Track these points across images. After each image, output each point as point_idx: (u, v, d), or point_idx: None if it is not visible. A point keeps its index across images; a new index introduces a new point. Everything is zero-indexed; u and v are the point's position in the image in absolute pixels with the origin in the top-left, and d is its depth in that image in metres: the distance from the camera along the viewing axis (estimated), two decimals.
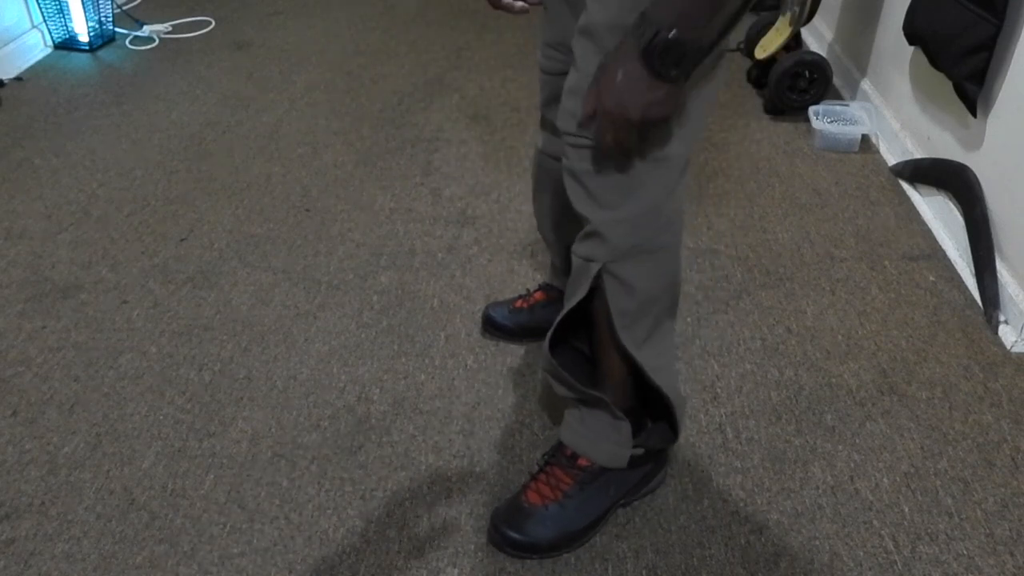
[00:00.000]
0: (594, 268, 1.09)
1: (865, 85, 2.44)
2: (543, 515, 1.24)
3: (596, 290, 1.12)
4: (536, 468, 1.33)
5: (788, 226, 1.98)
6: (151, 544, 1.26)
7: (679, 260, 1.14)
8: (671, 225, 1.09)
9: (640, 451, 1.26)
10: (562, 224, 1.47)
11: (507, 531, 1.24)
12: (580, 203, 1.07)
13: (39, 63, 2.85)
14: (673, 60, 0.89)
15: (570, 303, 1.14)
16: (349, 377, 1.56)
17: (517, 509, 1.25)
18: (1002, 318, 1.67)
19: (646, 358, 1.16)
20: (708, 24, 0.89)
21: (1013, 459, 1.39)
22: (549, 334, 1.19)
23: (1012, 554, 1.24)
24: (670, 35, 0.87)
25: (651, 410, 1.31)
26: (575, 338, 1.30)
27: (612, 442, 1.24)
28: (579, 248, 1.11)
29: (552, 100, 1.33)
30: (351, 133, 2.40)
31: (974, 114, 1.80)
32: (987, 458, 1.39)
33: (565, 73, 1.28)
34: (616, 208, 1.05)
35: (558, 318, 1.18)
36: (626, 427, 1.23)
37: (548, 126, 1.37)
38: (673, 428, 1.26)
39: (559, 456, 1.28)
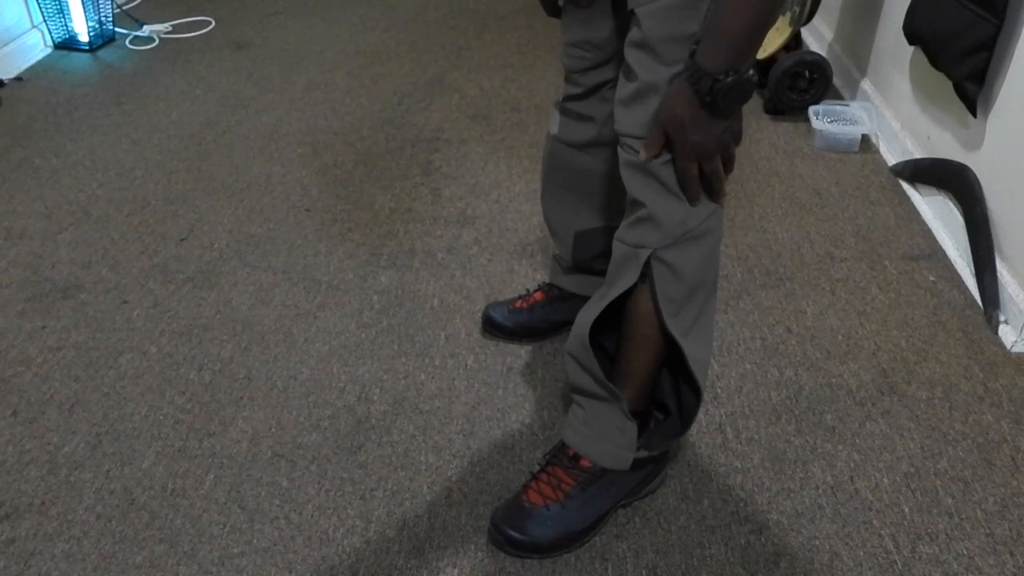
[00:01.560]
0: (644, 255, 1.10)
1: (865, 85, 2.44)
2: (544, 515, 1.24)
3: (640, 279, 1.12)
4: (537, 468, 1.33)
5: (788, 226, 1.98)
6: (151, 544, 1.26)
7: (720, 246, 1.15)
8: (717, 210, 1.11)
9: (644, 454, 1.26)
10: (572, 212, 1.47)
11: (508, 531, 1.24)
12: (638, 189, 1.08)
13: (39, 63, 2.85)
14: (736, 99, 0.96)
15: (615, 290, 1.14)
16: (349, 377, 1.56)
17: (518, 509, 1.25)
18: (1002, 318, 1.67)
19: (690, 347, 1.16)
20: (753, 57, 0.95)
21: (1013, 459, 1.39)
22: (591, 318, 1.18)
23: (1012, 554, 1.24)
24: (728, 79, 0.93)
25: (660, 406, 1.31)
26: (600, 334, 1.29)
27: (615, 444, 1.24)
28: (628, 235, 1.12)
29: (584, 96, 1.34)
30: (351, 133, 2.40)
31: (974, 114, 1.80)
32: (987, 458, 1.39)
33: (590, 69, 1.28)
34: (680, 194, 1.07)
35: (601, 303, 1.16)
36: (632, 429, 1.23)
37: (571, 115, 1.37)
38: (685, 423, 1.26)
39: (561, 456, 1.28)
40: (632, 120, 1.06)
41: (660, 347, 1.18)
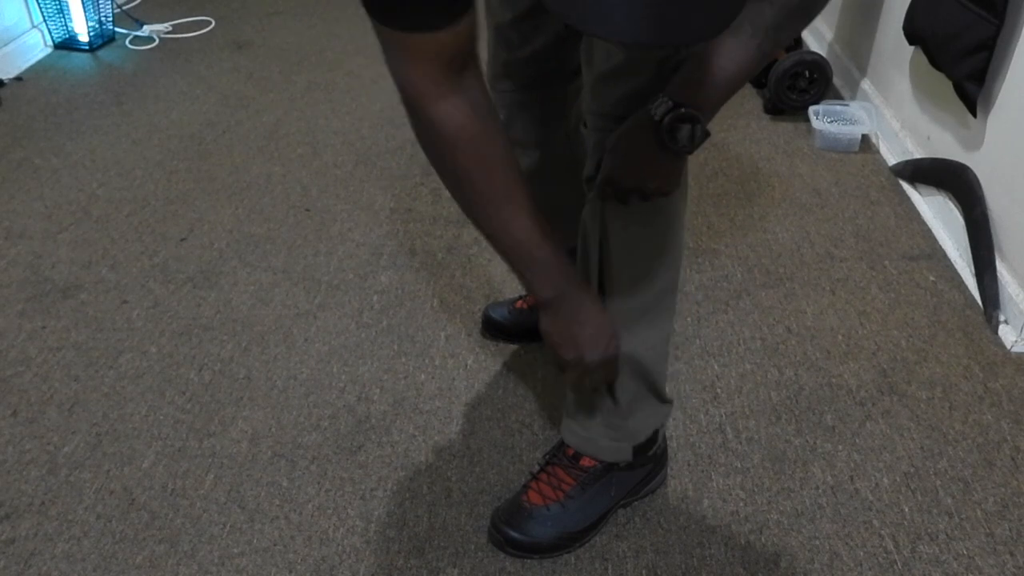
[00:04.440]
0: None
1: (865, 85, 2.44)
2: (544, 515, 1.24)
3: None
4: (537, 468, 1.33)
5: (788, 226, 1.98)
6: (151, 544, 1.26)
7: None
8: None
9: (642, 438, 1.26)
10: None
11: (508, 531, 1.24)
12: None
13: (39, 63, 2.85)
14: (683, 137, 0.94)
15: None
16: (349, 377, 1.56)
17: (518, 509, 1.25)
18: (1002, 318, 1.67)
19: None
20: (716, 110, 0.95)
21: (1013, 459, 1.39)
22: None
23: (1012, 554, 1.24)
24: (683, 111, 0.92)
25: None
26: None
27: (612, 438, 1.24)
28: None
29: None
30: (351, 133, 2.40)
31: (974, 114, 1.80)
32: (987, 458, 1.39)
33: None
34: None
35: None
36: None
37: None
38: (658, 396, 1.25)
39: (560, 456, 1.28)
40: (607, 99, 1.06)
41: None
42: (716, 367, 1.58)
